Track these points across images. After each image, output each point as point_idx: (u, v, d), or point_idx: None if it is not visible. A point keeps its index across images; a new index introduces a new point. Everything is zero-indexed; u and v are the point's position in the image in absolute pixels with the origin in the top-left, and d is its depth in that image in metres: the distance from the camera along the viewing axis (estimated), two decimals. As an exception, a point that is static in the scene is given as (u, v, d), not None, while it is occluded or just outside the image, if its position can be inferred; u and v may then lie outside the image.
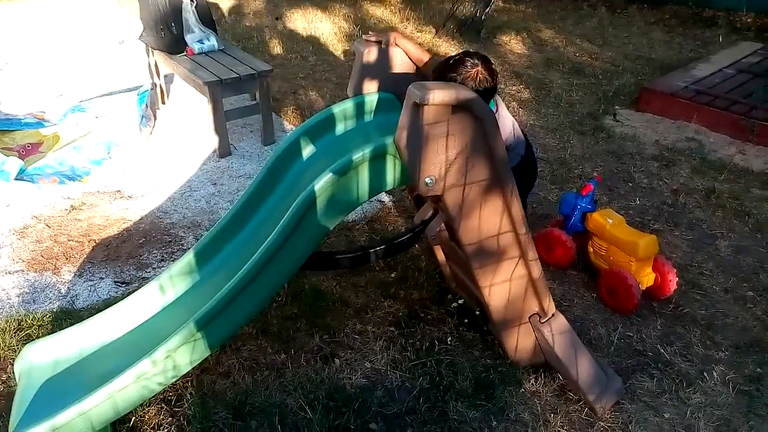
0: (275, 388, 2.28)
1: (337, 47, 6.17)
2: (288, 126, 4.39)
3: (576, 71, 5.70)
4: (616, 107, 4.88)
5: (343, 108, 2.37)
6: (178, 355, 1.95)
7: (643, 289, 2.73)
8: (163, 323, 2.19)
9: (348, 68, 5.56)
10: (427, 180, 1.90)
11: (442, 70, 2.24)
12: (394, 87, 2.36)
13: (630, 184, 3.78)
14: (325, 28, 6.64)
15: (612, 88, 5.22)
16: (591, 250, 2.93)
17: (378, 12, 7.49)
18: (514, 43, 6.57)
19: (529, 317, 2.28)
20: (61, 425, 1.85)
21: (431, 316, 2.64)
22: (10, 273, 2.91)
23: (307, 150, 2.40)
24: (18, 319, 2.57)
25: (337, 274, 2.86)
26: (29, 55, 5.68)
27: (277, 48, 6.09)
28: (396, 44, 2.33)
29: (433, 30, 6.87)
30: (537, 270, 2.19)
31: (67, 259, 3.03)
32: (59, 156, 3.70)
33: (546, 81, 5.44)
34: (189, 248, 3.08)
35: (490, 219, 2.08)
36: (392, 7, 7.79)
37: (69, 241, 3.16)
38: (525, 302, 2.26)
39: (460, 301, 2.62)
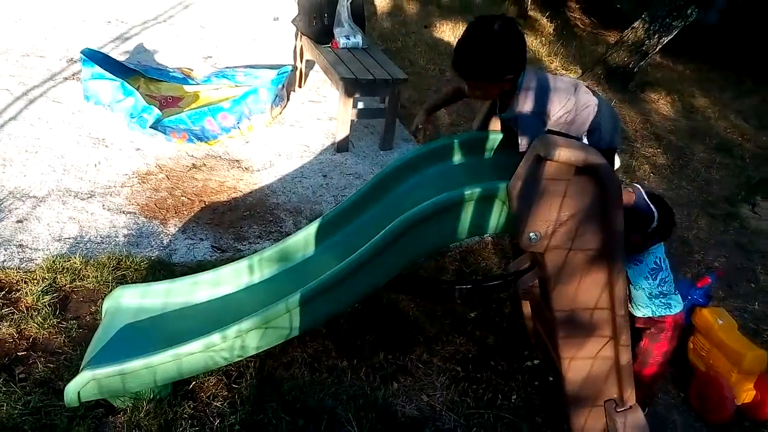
0: (330, 394, 2.30)
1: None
2: (408, 136, 4.42)
3: (722, 148, 5.32)
4: (758, 197, 4.51)
5: (465, 140, 2.34)
6: (248, 338, 2.01)
7: (739, 404, 2.50)
8: (243, 301, 2.27)
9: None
10: (532, 235, 1.84)
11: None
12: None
13: (752, 285, 3.47)
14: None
15: (758, 176, 4.82)
16: (691, 346, 2.72)
17: (527, 40, 7.38)
18: (662, 103, 6.24)
19: (605, 402, 2.15)
20: (128, 371, 1.97)
21: (502, 367, 2.56)
22: (123, 213, 3.14)
23: (420, 171, 2.40)
24: (119, 258, 2.77)
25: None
26: (189, 13, 6.10)
27: (418, 56, 6.15)
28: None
29: (579, 71, 6.67)
30: (626, 356, 2.06)
31: (176, 213, 3.22)
32: (194, 115, 3.94)
33: (687, 151, 5.12)
34: (287, 231, 3.20)
35: (589, 291, 1.98)
36: (543, 38, 7.65)
37: (182, 196, 3.37)
38: (604, 385, 2.14)
39: (536, 362, 2.52)
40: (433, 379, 2.45)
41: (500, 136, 2.28)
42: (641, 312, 2.29)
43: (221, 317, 2.19)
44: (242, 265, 2.34)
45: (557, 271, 1.94)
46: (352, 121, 3.96)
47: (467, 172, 2.27)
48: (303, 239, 2.34)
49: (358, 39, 4.26)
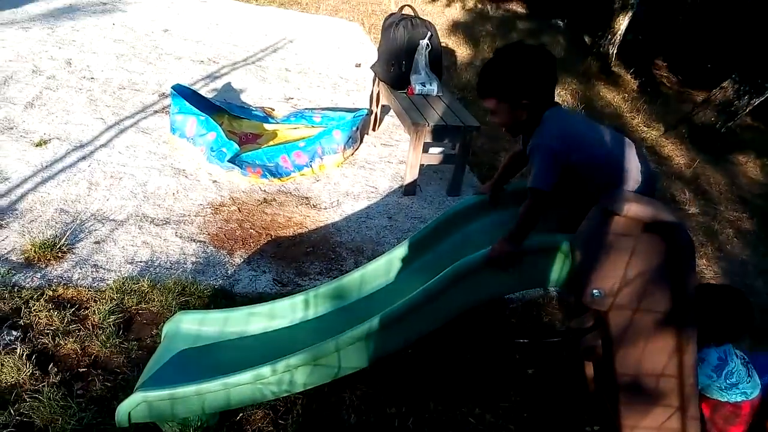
0: (375, 441, 2.24)
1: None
2: (477, 184, 4.38)
3: (817, 216, 4.95)
4: None
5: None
6: (297, 373, 2.00)
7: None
8: (296, 336, 2.27)
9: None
10: (595, 292, 1.75)
11: None
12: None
13: None
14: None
15: None
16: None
17: (609, 95, 7.25)
18: (750, 166, 5.92)
19: (668, 480, 1.98)
20: (178, 397, 2.00)
21: (558, 431, 2.42)
22: (194, 241, 3.24)
23: (482, 217, 2.36)
24: (184, 284, 2.85)
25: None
26: (276, 57, 6.38)
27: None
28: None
29: (662, 128, 6.45)
30: (694, 430, 1.89)
31: (243, 244, 3.30)
32: (270, 152, 4.07)
33: (776, 217, 4.80)
34: (347, 270, 3.21)
35: (655, 356, 1.85)
36: (626, 94, 7.49)
37: (251, 228, 3.45)
38: (668, 461, 1.97)
39: (596, 428, 2.37)
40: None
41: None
42: (714, 396, 2.11)
43: (273, 350, 2.20)
44: (298, 299, 2.35)
45: (621, 333, 1.83)
46: (421, 165, 3.97)
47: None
48: (359, 277, 2.34)
49: (433, 86, 4.30)
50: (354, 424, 2.29)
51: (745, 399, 2.08)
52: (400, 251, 2.35)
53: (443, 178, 4.32)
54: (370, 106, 4.90)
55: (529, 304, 3.16)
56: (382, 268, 2.35)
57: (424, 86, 4.28)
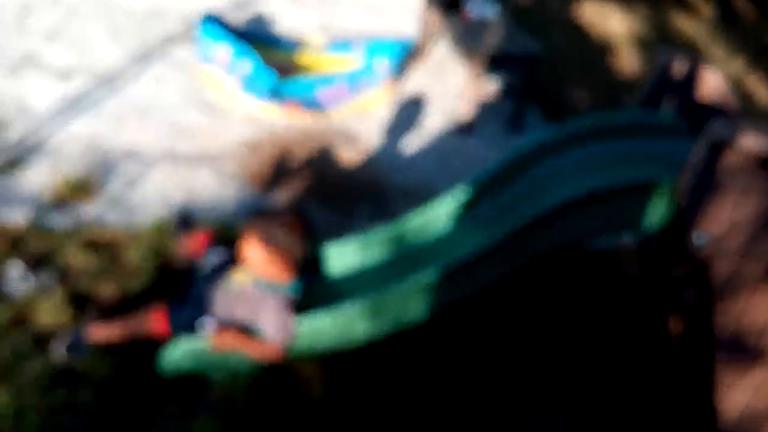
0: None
1: (624, 50, 5.80)
2: (539, 119, 4.24)
3: None
4: None
5: (617, 119, 2.18)
6: (358, 321, 1.98)
7: None
8: (353, 282, 2.25)
9: (629, 77, 5.22)
10: (698, 236, 1.66)
11: None
12: (692, 115, 2.10)
13: None
14: (616, 26, 6.28)
15: None
16: None
17: (684, 23, 6.90)
18: None
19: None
20: (229, 344, 2.01)
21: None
22: (231, 180, 3.24)
23: (552, 159, 2.27)
24: (223, 227, 2.84)
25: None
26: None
27: (555, 33, 5.90)
28: None
29: (745, 58, 6.14)
30: (799, 392, 1.83)
31: (284, 184, 3.27)
32: (310, 85, 3.99)
33: None
34: (398, 213, 3.16)
35: (759, 310, 1.77)
36: (702, 22, 7.12)
37: (292, 167, 3.42)
38: (766, 425, 1.91)
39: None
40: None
41: (662, 118, 2.10)
42: None
43: (327, 298, 2.19)
44: (355, 243, 2.31)
45: (723, 283, 1.75)
46: (478, 99, 3.84)
47: (618, 156, 2.11)
48: (422, 221, 2.29)
49: (491, 11, 4.13)
50: (409, 376, 2.28)
51: None
52: (461, 196, 2.28)
53: (502, 113, 4.18)
54: (419, 34, 4.74)
55: (602, 254, 3.07)
56: (442, 214, 2.30)
57: (481, 10, 4.11)
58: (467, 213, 2.29)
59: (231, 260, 2.18)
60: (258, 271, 2.02)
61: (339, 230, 2.99)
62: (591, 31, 6.11)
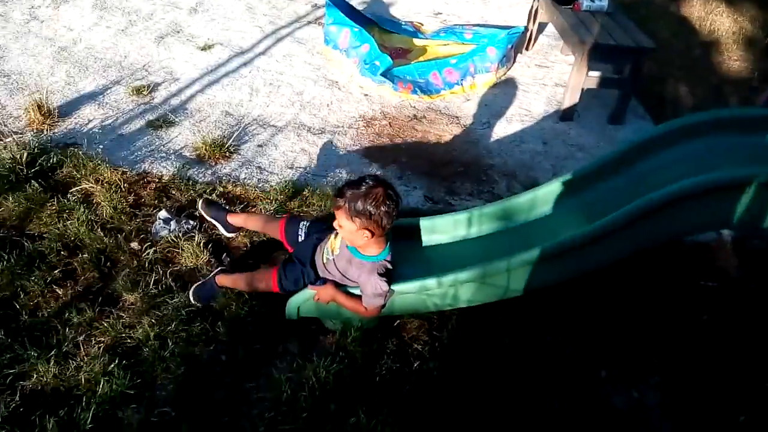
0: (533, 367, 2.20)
1: (731, 48, 5.41)
2: (643, 113, 4.04)
3: None
4: None
5: (732, 115, 2.05)
6: (462, 289, 1.99)
7: None
8: (457, 253, 2.25)
9: (739, 75, 4.87)
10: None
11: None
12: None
13: None
14: (724, 23, 5.86)
15: None
16: None
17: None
18: None
19: None
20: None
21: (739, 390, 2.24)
22: (348, 152, 3.29)
23: (661, 153, 2.16)
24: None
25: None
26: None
27: (661, 26, 5.57)
28: None
29: None
30: None
31: (394, 159, 3.30)
32: (421, 68, 3.97)
33: None
34: (499, 193, 3.13)
35: None
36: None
37: (402, 144, 3.43)
38: None
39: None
40: (645, 375, 2.23)
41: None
42: None
43: (433, 264, 2.20)
44: (461, 216, 2.31)
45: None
46: (582, 89, 3.71)
47: (738, 152, 1.99)
48: (529, 201, 2.25)
49: (603, 2, 3.95)
50: (508, 344, 2.26)
51: None
52: (576, 178, 2.22)
53: (604, 105, 4.01)
54: (528, 22, 4.61)
55: (698, 247, 2.92)
56: (556, 194, 2.24)
57: (593, 2, 3.93)
58: (574, 199, 2.23)
59: (328, 228, 2.17)
60: (348, 240, 1.99)
61: (440, 205, 3.00)
62: (698, 27, 5.73)
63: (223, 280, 2.28)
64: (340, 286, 2.04)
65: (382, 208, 1.86)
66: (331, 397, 1.98)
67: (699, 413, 2.08)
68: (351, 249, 2.00)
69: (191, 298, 2.25)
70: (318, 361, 2.05)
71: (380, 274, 1.96)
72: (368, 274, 1.97)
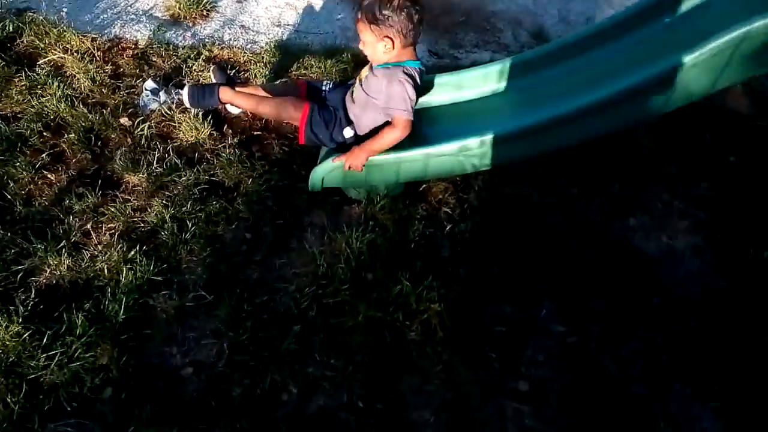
0: (560, 218, 2.15)
1: None
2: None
3: None
4: None
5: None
6: (503, 146, 1.86)
7: None
8: (490, 108, 2.10)
9: None
10: None
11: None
12: None
13: None
14: None
15: None
16: None
17: None
18: None
19: None
20: (375, 163, 1.93)
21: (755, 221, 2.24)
22: (339, 3, 2.97)
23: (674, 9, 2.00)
24: (338, 50, 2.65)
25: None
26: None
27: None
28: None
29: None
30: None
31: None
32: None
33: None
34: (505, 43, 2.92)
35: None
36: None
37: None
38: None
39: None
40: (674, 221, 2.22)
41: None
42: None
43: (464, 122, 2.06)
44: (492, 69, 2.12)
45: None
46: None
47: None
48: (549, 55, 2.10)
49: None
50: (536, 202, 2.20)
51: None
52: (591, 32, 2.06)
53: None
54: None
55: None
56: (575, 48, 2.09)
57: None
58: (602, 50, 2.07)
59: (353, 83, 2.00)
60: (374, 58, 1.84)
61: (446, 59, 2.79)
62: None
63: (228, 95, 2.09)
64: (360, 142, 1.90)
65: (403, 13, 1.74)
66: (368, 267, 1.90)
67: (733, 251, 2.09)
68: (380, 65, 1.85)
69: (184, 96, 2.10)
70: (349, 232, 1.95)
71: (408, 76, 1.81)
72: (393, 79, 1.81)
